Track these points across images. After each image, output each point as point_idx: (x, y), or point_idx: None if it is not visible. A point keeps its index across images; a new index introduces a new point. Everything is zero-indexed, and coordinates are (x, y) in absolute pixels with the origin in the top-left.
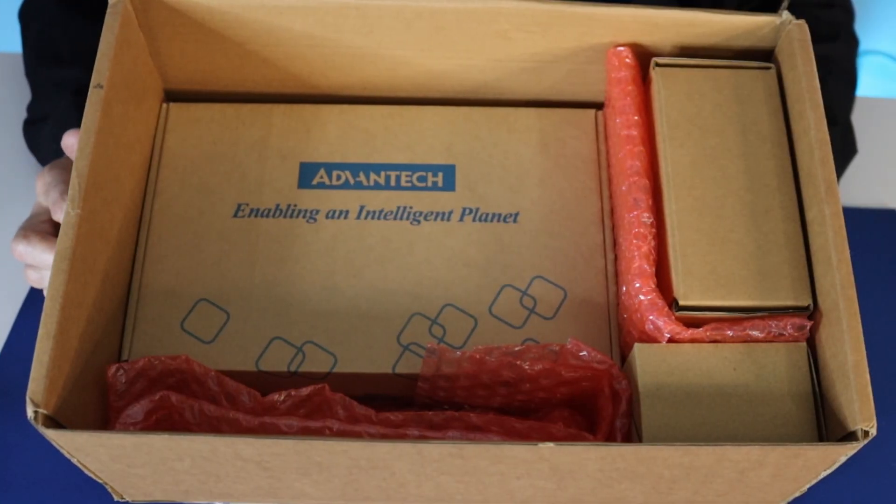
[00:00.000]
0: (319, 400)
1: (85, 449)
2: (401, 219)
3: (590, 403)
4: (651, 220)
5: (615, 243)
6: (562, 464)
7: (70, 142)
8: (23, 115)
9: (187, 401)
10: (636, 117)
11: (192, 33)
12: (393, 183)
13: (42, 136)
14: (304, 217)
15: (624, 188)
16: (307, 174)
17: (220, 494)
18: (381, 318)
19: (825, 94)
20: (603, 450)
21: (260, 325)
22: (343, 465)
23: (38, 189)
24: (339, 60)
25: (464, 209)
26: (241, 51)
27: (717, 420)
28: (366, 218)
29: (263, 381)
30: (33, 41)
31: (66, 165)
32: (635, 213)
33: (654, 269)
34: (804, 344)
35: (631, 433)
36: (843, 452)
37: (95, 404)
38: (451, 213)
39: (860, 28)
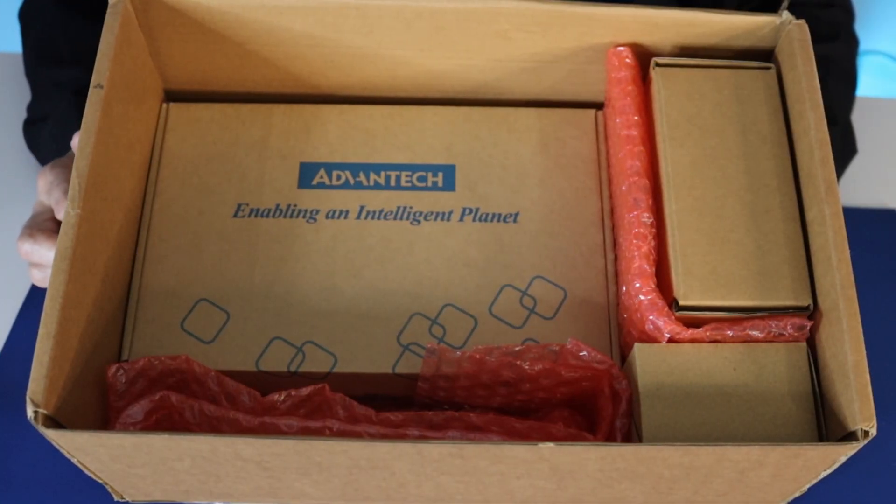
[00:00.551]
0: (319, 400)
1: (85, 449)
2: (401, 219)
3: (590, 403)
4: (651, 220)
5: (615, 243)
6: (562, 464)
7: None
8: (23, 115)
9: (187, 401)
10: (636, 117)
11: (192, 33)
12: (393, 183)
13: (42, 136)
14: (304, 217)
15: (624, 188)
16: (307, 174)
17: (220, 494)
18: (381, 318)
19: (825, 94)
20: (603, 450)
21: (260, 325)
22: (343, 465)
23: (39, 188)
24: (339, 60)
25: (464, 209)
26: (241, 51)
27: (717, 420)
28: (366, 218)
29: (263, 381)
30: (33, 41)
31: (68, 164)
32: (635, 213)
33: (654, 269)
34: (804, 344)
35: (631, 433)
36: (843, 452)
37: (95, 404)
38: (451, 213)
39: (860, 28)
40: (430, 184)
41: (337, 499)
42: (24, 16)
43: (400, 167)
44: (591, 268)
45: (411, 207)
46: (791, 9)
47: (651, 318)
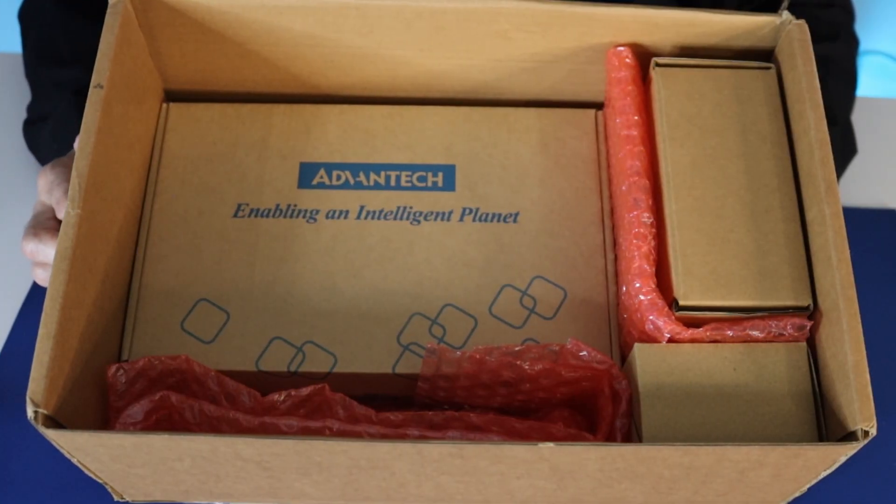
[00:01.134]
0: (319, 400)
1: (85, 449)
2: (401, 219)
3: (590, 403)
4: (651, 220)
5: (615, 243)
6: (562, 464)
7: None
8: (23, 115)
9: (187, 401)
10: (636, 117)
11: (192, 33)
12: (393, 183)
13: (42, 136)
14: (304, 217)
15: (624, 188)
16: (307, 174)
17: (220, 494)
18: (381, 318)
19: (825, 95)
20: (603, 450)
21: (260, 325)
22: (343, 465)
23: (40, 187)
24: (339, 60)
25: (464, 209)
26: (241, 51)
27: (717, 420)
28: (366, 218)
29: (263, 381)
30: (33, 42)
31: (69, 164)
32: (635, 213)
33: (654, 269)
34: (804, 344)
35: (631, 433)
36: (843, 452)
37: (95, 404)
38: (451, 213)
39: (860, 28)
40: (430, 184)
41: (337, 499)
42: (24, 16)
43: (400, 167)
44: (591, 268)
45: (411, 207)
46: (791, 9)
47: (651, 318)
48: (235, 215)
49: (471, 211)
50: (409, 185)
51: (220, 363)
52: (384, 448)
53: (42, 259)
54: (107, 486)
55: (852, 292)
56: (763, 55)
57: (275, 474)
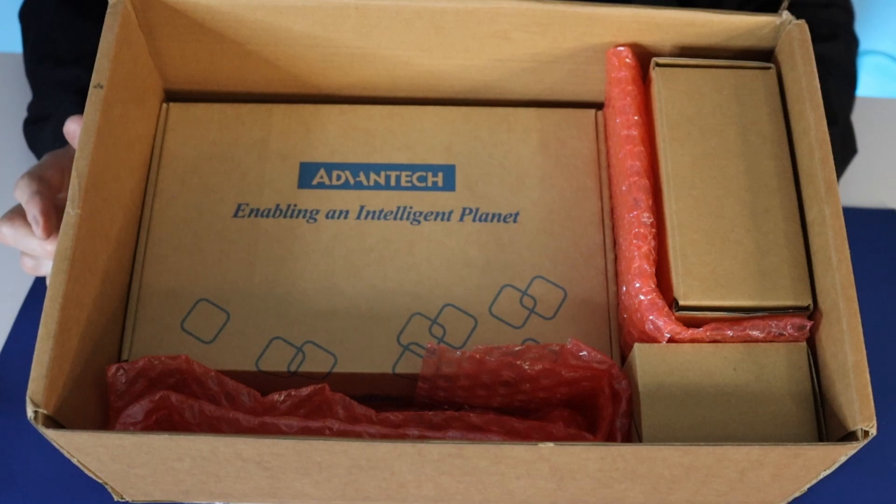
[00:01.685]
0: (319, 400)
1: (85, 449)
2: (401, 219)
3: (590, 403)
4: (651, 220)
5: (615, 243)
6: (562, 464)
7: (72, 128)
8: (23, 114)
9: (187, 401)
10: (636, 117)
11: (192, 33)
12: (393, 183)
13: (43, 136)
14: (304, 217)
15: (624, 188)
16: (307, 174)
17: (220, 494)
18: (381, 318)
19: (825, 94)
20: (603, 450)
21: (260, 325)
22: (343, 465)
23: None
24: (339, 60)
25: (464, 209)
26: (241, 51)
27: (717, 420)
28: (366, 218)
29: (263, 381)
30: (34, 41)
31: (58, 154)
32: (635, 213)
33: (654, 269)
34: (804, 344)
35: (631, 433)
36: (843, 452)
37: (95, 404)
38: (451, 213)
39: (860, 28)
40: (430, 184)
41: (337, 499)
42: (25, 16)
43: (400, 167)
44: (591, 268)
45: (411, 207)
46: (790, 8)
47: (651, 318)
48: (235, 215)
49: (471, 211)
50: (409, 185)
51: (220, 363)
52: (384, 448)
53: (12, 244)
54: (107, 486)
55: (852, 292)
56: (763, 55)
57: (275, 474)
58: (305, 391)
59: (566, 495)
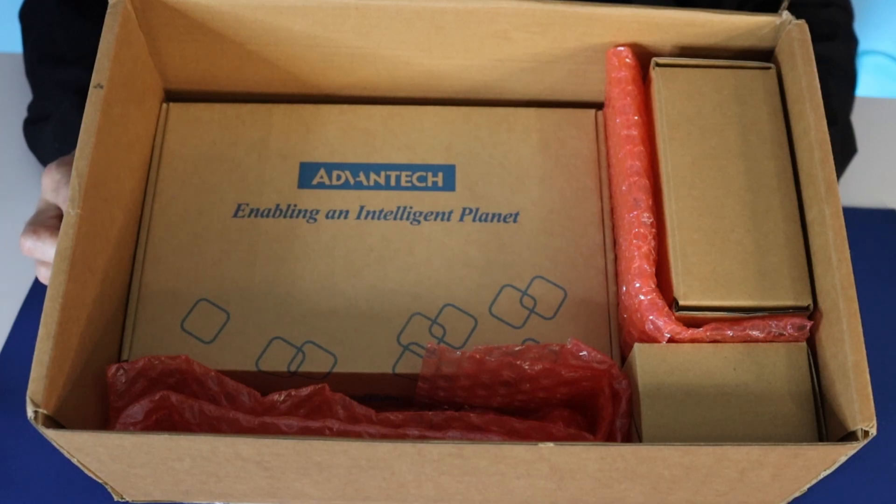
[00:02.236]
0: (319, 400)
1: (85, 449)
2: (401, 219)
3: (590, 403)
4: (651, 220)
5: (615, 243)
6: (562, 464)
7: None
8: (23, 114)
9: (187, 401)
10: (636, 117)
11: (192, 33)
12: (393, 183)
13: (43, 136)
14: (304, 217)
15: (624, 188)
16: (307, 174)
17: (220, 494)
18: (381, 318)
19: (824, 94)
20: (603, 450)
21: (260, 325)
22: (343, 465)
23: (44, 185)
24: (339, 60)
25: (464, 209)
26: (241, 51)
27: (717, 420)
28: (366, 218)
29: (263, 381)
30: (34, 41)
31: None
32: (635, 213)
33: (654, 269)
34: (804, 344)
35: (631, 433)
36: (843, 452)
37: (95, 404)
38: (451, 213)
39: (860, 28)
40: (430, 184)
41: (337, 499)
42: (25, 15)
43: (400, 167)
44: (591, 268)
45: (411, 207)
46: (790, 8)
47: (651, 318)
48: (235, 215)
49: (471, 211)
50: (409, 185)
51: (220, 363)
52: (384, 448)
53: (39, 256)
54: (107, 486)
55: (852, 292)
56: (763, 55)
57: (275, 474)
58: (305, 391)
59: (566, 495)
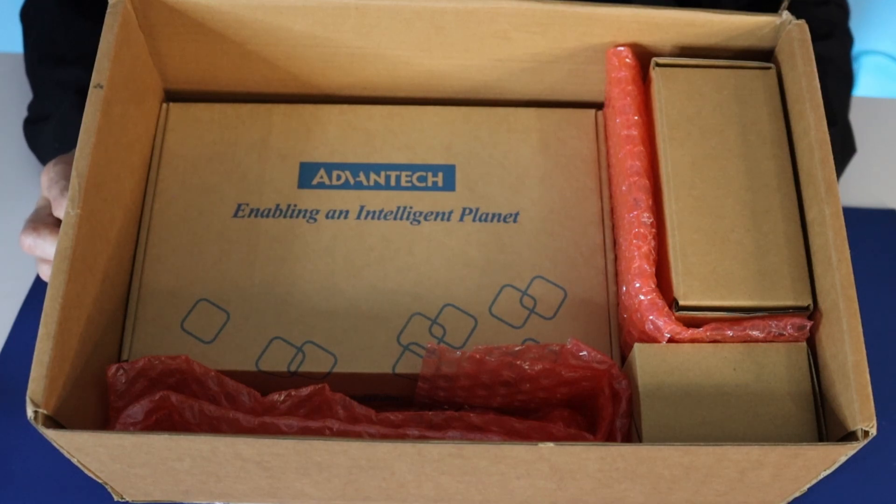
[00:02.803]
0: (319, 400)
1: (85, 449)
2: (401, 219)
3: (590, 403)
4: (651, 220)
5: (615, 243)
6: (562, 464)
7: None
8: (23, 114)
9: (187, 401)
10: (636, 117)
11: (192, 33)
12: (393, 183)
13: (43, 136)
14: (304, 217)
15: (624, 188)
16: (307, 174)
17: (220, 494)
18: (381, 318)
19: (823, 95)
20: (603, 450)
21: (260, 325)
22: (343, 465)
23: (43, 183)
24: (339, 60)
25: (464, 209)
26: (241, 51)
27: (717, 420)
28: (366, 218)
29: (263, 381)
30: (35, 40)
31: (71, 161)
32: (635, 213)
33: (654, 269)
34: (804, 344)
35: (631, 433)
36: (843, 452)
37: (95, 404)
38: (451, 213)
39: (860, 28)
40: (430, 184)
41: (337, 499)
42: (26, 15)
43: (400, 167)
44: (591, 268)
45: (411, 207)
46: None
47: (651, 318)
48: (235, 215)
49: (471, 211)
50: (409, 185)
51: (220, 363)
52: (384, 448)
53: (39, 254)
54: (107, 486)
55: (852, 292)
56: (763, 55)
57: (275, 474)
58: (305, 391)
59: (566, 495)
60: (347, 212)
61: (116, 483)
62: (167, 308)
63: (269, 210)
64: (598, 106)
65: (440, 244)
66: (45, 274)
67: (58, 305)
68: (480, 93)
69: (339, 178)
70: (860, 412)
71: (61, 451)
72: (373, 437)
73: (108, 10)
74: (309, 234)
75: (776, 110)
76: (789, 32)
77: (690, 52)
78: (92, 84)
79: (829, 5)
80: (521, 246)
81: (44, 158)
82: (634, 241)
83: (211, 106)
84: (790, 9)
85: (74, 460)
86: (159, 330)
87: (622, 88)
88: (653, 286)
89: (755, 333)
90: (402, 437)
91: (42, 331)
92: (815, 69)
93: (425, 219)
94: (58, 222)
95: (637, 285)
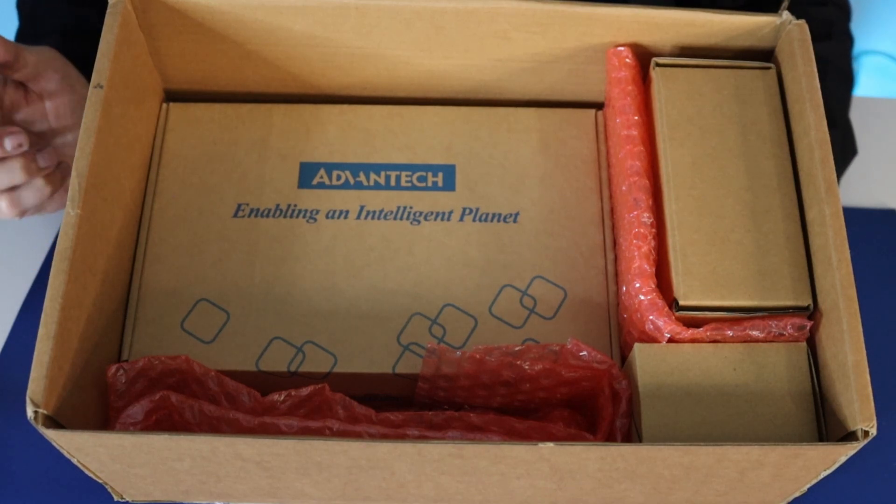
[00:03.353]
0: (319, 400)
1: (85, 449)
2: (401, 219)
3: (590, 403)
4: (651, 220)
5: (615, 243)
6: (562, 464)
7: None
8: None
9: (187, 401)
10: (636, 117)
11: (192, 33)
12: (393, 183)
13: None
14: (304, 217)
15: (624, 188)
16: (307, 174)
17: (220, 494)
18: (381, 318)
19: (824, 95)
20: (603, 450)
21: (260, 325)
22: (343, 465)
23: None
24: (339, 60)
25: (464, 209)
26: (241, 51)
27: (717, 420)
28: (366, 218)
29: (263, 381)
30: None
31: None
32: (635, 213)
33: (654, 269)
34: (804, 344)
35: (631, 433)
36: (843, 452)
37: (95, 404)
38: (451, 213)
39: (860, 28)
40: (430, 184)
41: (337, 499)
42: (20, 5)
43: (400, 167)
44: (591, 268)
45: (411, 207)
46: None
47: (651, 318)
48: (235, 215)
49: (471, 211)
50: (409, 185)
51: (220, 363)
52: (384, 448)
53: None
54: (107, 486)
55: (852, 292)
56: (763, 55)
57: (275, 474)
58: (305, 391)
59: (566, 495)
60: (347, 212)
61: (116, 483)
62: (167, 308)
63: (269, 210)
64: (598, 106)
65: (440, 244)
66: (2, 210)
67: (58, 305)
68: (480, 93)
69: (339, 178)
70: (860, 412)
71: (61, 451)
72: (373, 437)
73: (108, 10)
74: (309, 234)
75: (776, 110)
76: (789, 32)
77: (690, 52)
78: (92, 84)
79: (829, 6)
80: (521, 246)
81: None
82: (634, 241)
83: (211, 106)
84: (790, 9)
85: (74, 460)
86: (159, 330)
87: (622, 88)
88: (653, 286)
89: (755, 333)
90: (402, 437)
91: (42, 331)
92: (815, 69)
93: (425, 219)
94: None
95: (637, 285)
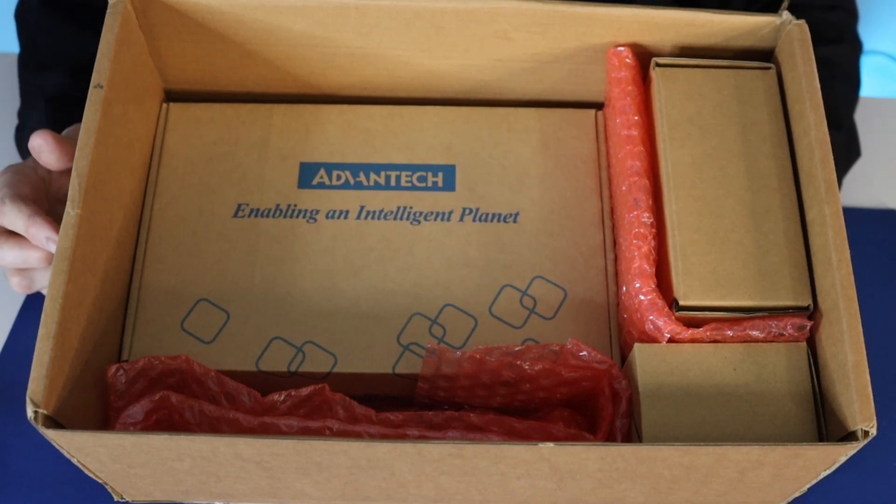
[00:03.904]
0: (319, 400)
1: (85, 449)
2: (401, 219)
3: (590, 403)
4: (651, 220)
5: (615, 243)
6: (562, 464)
7: (36, 143)
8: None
9: (187, 401)
10: (636, 117)
11: (192, 33)
12: (393, 183)
13: (23, 144)
14: (304, 217)
15: (624, 188)
16: (307, 174)
17: (220, 494)
18: (381, 318)
19: (830, 98)
20: (603, 450)
21: (260, 325)
22: (343, 465)
23: None
24: (339, 60)
25: (464, 209)
26: (241, 51)
27: (717, 420)
28: (366, 218)
29: (263, 381)
30: (23, 45)
31: (20, 169)
32: (635, 213)
33: (654, 269)
34: (804, 344)
35: (631, 433)
36: (843, 452)
37: (95, 404)
38: (451, 213)
39: (860, 28)
40: (430, 184)
41: (337, 499)
42: (18, 16)
43: (400, 167)
44: (591, 268)
45: (411, 207)
46: (795, 11)
47: (651, 318)
48: (235, 215)
49: (471, 211)
50: (409, 185)
51: (220, 363)
52: (384, 448)
53: (10, 264)
54: (107, 486)
55: (852, 292)
56: (763, 55)
57: (275, 474)
58: (305, 391)
59: (566, 495)
60: (347, 212)
61: (116, 483)
62: (167, 308)
63: (269, 210)
64: (598, 106)
65: (440, 244)
66: (22, 285)
67: (58, 305)
68: (480, 93)
69: (339, 178)
70: (860, 412)
71: (61, 451)
72: (373, 437)
73: (108, 10)
74: (309, 234)
75: (776, 110)
76: (789, 33)
77: (690, 52)
78: (92, 84)
79: (839, 10)
80: (521, 246)
81: None
82: (634, 241)
83: (211, 106)
84: (799, 13)
85: (74, 460)
86: (159, 330)
87: (622, 88)
88: (653, 286)
89: (755, 333)
90: (402, 437)
91: (42, 331)
92: (815, 69)
93: (425, 219)
94: (4, 231)
95: (637, 285)
